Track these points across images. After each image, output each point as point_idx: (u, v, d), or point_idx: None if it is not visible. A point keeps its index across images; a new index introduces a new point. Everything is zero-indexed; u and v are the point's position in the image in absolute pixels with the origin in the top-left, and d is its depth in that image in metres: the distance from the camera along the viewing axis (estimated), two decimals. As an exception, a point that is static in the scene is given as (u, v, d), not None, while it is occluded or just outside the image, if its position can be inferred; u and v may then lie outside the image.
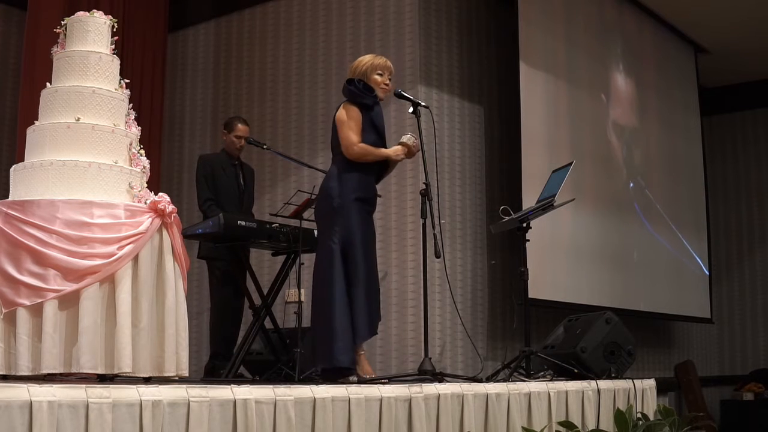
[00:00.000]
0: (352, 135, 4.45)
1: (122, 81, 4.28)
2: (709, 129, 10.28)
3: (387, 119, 6.53)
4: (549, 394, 4.50)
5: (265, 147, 6.10)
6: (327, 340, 4.26)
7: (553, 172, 5.45)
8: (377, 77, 4.60)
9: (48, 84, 4.19)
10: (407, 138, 4.64)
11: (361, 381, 4.25)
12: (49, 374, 3.63)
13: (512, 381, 4.58)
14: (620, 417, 4.63)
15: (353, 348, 4.31)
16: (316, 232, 4.84)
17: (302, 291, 5.43)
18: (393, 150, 4.59)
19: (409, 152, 4.64)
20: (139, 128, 4.29)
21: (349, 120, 4.47)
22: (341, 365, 4.20)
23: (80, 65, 4.13)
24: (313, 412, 3.32)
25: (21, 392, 2.55)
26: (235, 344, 5.78)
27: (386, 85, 4.64)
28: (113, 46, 4.31)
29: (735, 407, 9.51)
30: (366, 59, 4.66)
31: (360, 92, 4.53)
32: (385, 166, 4.67)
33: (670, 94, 9.17)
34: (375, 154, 4.51)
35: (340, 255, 4.35)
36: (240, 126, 6.09)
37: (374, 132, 4.55)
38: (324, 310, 4.32)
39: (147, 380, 3.79)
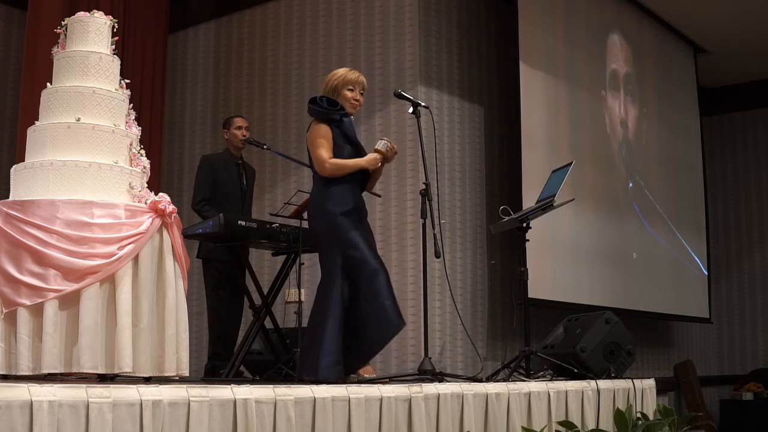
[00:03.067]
0: (322, 152, 4.38)
1: (122, 81, 4.29)
2: (708, 129, 10.29)
3: (387, 119, 6.57)
4: (549, 394, 4.50)
5: (265, 147, 6.10)
6: (315, 352, 4.22)
7: (553, 172, 5.45)
8: (348, 92, 4.52)
9: (48, 84, 4.20)
10: (381, 145, 4.54)
11: (361, 381, 4.25)
12: (49, 374, 3.63)
13: (512, 381, 4.58)
14: (620, 417, 4.64)
15: (341, 363, 4.23)
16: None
17: (302, 291, 5.43)
18: (367, 160, 4.49)
19: (385, 158, 4.56)
20: (140, 128, 4.30)
21: (318, 139, 4.41)
22: (326, 379, 4.11)
23: (81, 65, 4.14)
24: (313, 412, 3.32)
25: (21, 392, 2.56)
26: (234, 344, 5.78)
27: (356, 100, 4.56)
28: (113, 47, 4.32)
29: (734, 407, 9.51)
30: (339, 73, 4.57)
31: (324, 109, 4.46)
32: (367, 175, 4.60)
33: (670, 94, 9.18)
34: (349, 166, 4.43)
35: (342, 271, 4.31)
36: (237, 119, 6.10)
37: (348, 144, 4.49)
38: (318, 323, 4.28)
39: (147, 380, 3.79)
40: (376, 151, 4.53)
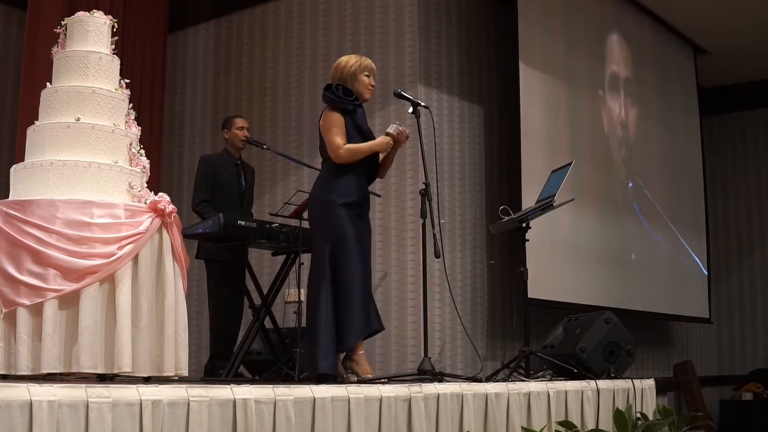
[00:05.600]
0: (337, 139, 4.44)
1: (122, 81, 4.29)
2: (708, 129, 10.29)
3: (386, 119, 6.57)
4: (548, 394, 4.50)
5: (265, 147, 6.10)
6: (312, 346, 4.31)
7: (553, 172, 5.45)
8: (365, 78, 4.60)
9: (48, 84, 4.20)
10: (393, 128, 4.61)
11: (361, 381, 4.26)
12: (49, 374, 3.63)
13: (512, 381, 4.58)
14: (619, 417, 4.63)
15: (336, 355, 4.33)
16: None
17: (302, 291, 5.43)
18: (378, 142, 4.56)
19: (396, 142, 4.62)
20: (139, 128, 4.29)
21: (332, 125, 4.47)
22: (322, 372, 4.22)
23: (80, 65, 4.14)
24: (313, 412, 3.32)
25: (21, 392, 2.55)
26: (234, 344, 5.78)
27: (372, 86, 4.65)
28: (113, 46, 4.32)
29: (734, 407, 9.51)
30: (353, 60, 4.64)
31: (340, 98, 4.52)
32: (375, 165, 4.66)
33: (669, 94, 9.17)
34: (362, 150, 4.50)
35: (329, 262, 4.37)
36: (238, 119, 6.11)
37: (359, 135, 4.54)
38: (313, 316, 4.36)
39: (147, 380, 3.79)
40: (387, 134, 4.57)
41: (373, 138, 4.64)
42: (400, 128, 4.61)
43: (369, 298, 4.52)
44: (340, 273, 4.37)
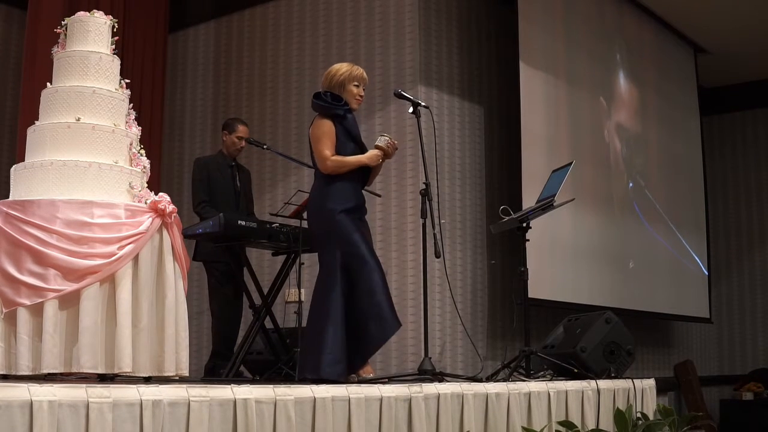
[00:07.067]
0: (324, 150, 4.40)
1: (122, 81, 4.29)
2: (709, 129, 10.29)
3: (387, 119, 6.58)
4: (549, 394, 4.50)
5: (265, 147, 6.10)
6: (316, 351, 4.22)
7: (553, 172, 5.45)
8: (353, 88, 4.55)
9: (48, 84, 4.20)
10: (382, 141, 4.56)
11: (361, 381, 4.25)
12: (49, 374, 3.63)
13: (512, 381, 4.58)
14: (620, 417, 4.64)
15: (345, 361, 4.22)
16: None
17: (302, 291, 5.43)
18: (368, 156, 4.50)
19: (386, 155, 4.58)
20: (140, 128, 4.29)
21: (321, 135, 4.42)
22: (328, 377, 4.13)
23: (80, 65, 4.14)
24: (313, 412, 3.32)
25: (21, 392, 2.55)
26: (235, 344, 5.78)
27: (361, 96, 4.60)
28: (113, 46, 4.32)
29: (734, 407, 9.51)
30: (344, 68, 4.59)
31: (329, 105, 4.48)
32: (368, 170, 4.61)
33: (670, 94, 9.18)
34: (350, 163, 4.44)
35: (341, 269, 4.31)
36: (241, 127, 6.10)
37: (351, 141, 4.51)
38: (318, 321, 4.29)
39: (147, 380, 3.79)
40: (377, 147, 4.55)
41: (363, 144, 4.61)
42: (389, 140, 4.58)
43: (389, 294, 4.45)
44: (359, 276, 4.29)
